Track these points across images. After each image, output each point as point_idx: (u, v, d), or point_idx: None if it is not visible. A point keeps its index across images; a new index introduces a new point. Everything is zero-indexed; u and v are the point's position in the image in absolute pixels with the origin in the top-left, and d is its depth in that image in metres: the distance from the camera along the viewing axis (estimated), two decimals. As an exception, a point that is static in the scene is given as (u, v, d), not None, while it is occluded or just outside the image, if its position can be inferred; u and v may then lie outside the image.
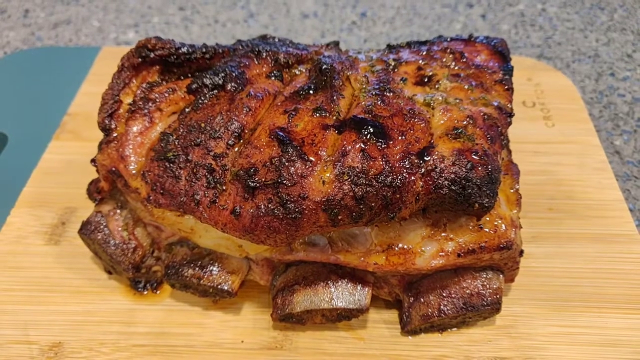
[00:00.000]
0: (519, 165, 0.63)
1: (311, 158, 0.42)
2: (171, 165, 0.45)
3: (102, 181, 0.52)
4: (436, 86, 0.49)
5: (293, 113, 0.45)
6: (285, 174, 0.42)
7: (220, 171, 0.44)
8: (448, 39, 0.56)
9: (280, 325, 0.52)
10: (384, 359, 0.50)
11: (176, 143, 0.46)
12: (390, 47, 0.55)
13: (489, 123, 0.47)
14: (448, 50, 0.53)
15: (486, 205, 0.43)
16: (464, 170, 0.43)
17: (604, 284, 0.55)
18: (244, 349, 0.51)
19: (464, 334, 0.52)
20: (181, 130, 0.46)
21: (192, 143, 0.45)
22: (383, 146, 0.43)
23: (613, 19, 0.97)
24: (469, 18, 0.98)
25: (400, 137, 0.44)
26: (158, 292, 0.55)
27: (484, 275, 0.50)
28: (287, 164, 0.42)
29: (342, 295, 0.49)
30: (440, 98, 0.48)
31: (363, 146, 0.42)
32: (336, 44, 0.58)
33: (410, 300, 0.51)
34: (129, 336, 0.52)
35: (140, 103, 0.49)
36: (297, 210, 0.41)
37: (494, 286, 0.50)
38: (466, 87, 0.50)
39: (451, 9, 1.00)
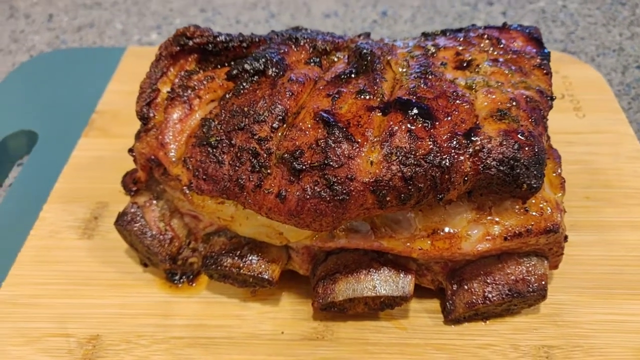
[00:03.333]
0: (554, 154, 0.63)
1: (358, 139, 0.41)
2: (214, 150, 0.45)
3: (139, 171, 0.52)
4: (476, 70, 0.49)
5: (336, 96, 0.44)
6: (332, 155, 0.41)
7: (265, 155, 0.43)
8: (482, 27, 0.56)
9: (320, 316, 0.51)
10: (429, 348, 0.49)
11: (218, 128, 0.45)
12: (425, 35, 0.55)
13: (532, 105, 0.46)
14: (485, 36, 0.53)
15: (534, 185, 0.42)
16: (511, 150, 0.42)
17: (647, 271, 0.54)
18: (284, 340, 0.50)
19: (509, 322, 0.51)
20: (223, 116, 0.46)
21: (236, 127, 0.45)
22: (429, 127, 0.42)
23: (635, 14, 0.96)
24: (489, 15, 0.98)
25: (446, 118, 0.43)
26: (194, 284, 0.55)
27: (528, 262, 0.49)
28: (333, 145, 0.41)
29: (386, 282, 0.48)
30: (481, 81, 0.47)
31: (410, 127, 0.42)
32: (367, 35, 0.57)
33: (454, 288, 0.50)
34: (166, 328, 0.51)
35: (179, 91, 0.49)
36: (344, 192, 0.41)
37: (539, 272, 0.49)
38: (506, 71, 0.49)
39: (471, 7, 1.00)
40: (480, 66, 0.49)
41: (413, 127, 0.42)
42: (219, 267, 0.50)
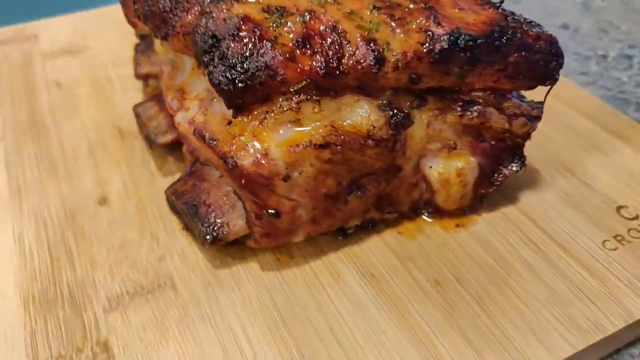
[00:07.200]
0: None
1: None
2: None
3: None
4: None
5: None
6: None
7: None
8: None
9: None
10: (135, 198, 0.50)
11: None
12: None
13: (321, 34, 0.38)
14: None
15: (213, 75, 0.37)
16: (229, 27, 0.38)
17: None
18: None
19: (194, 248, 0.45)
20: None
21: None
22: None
23: None
24: None
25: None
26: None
27: (232, 201, 0.41)
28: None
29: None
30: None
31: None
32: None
33: (192, 169, 0.47)
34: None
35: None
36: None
37: (227, 220, 0.41)
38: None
39: None
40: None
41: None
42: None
